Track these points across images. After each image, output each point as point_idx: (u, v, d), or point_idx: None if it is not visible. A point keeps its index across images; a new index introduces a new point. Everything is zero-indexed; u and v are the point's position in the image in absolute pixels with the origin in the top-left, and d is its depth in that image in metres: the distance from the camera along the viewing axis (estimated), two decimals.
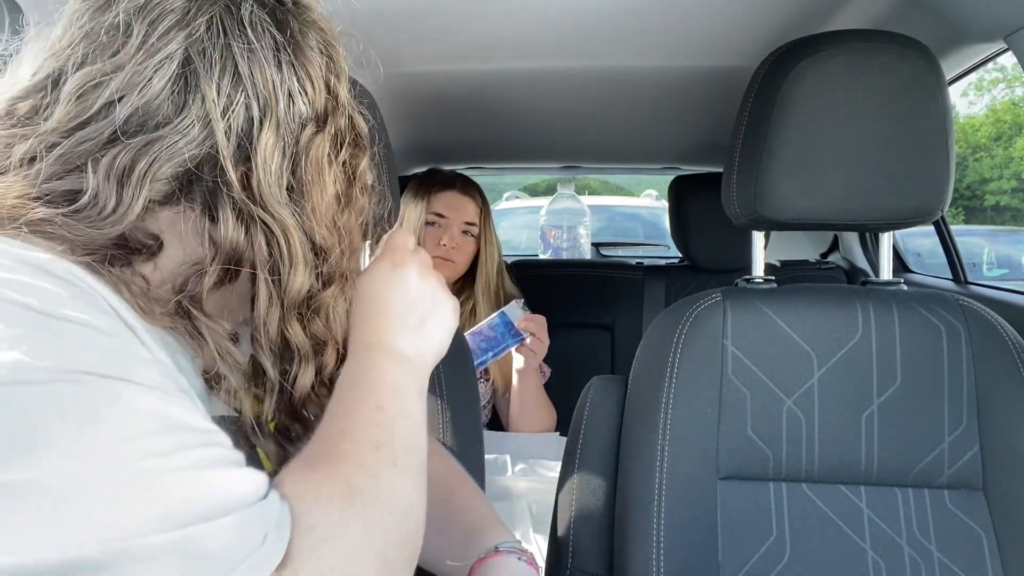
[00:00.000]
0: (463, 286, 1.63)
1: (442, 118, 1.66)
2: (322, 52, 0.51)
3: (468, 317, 1.58)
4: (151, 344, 0.43)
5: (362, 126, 0.54)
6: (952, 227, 1.92)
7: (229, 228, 0.46)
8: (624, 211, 4.48)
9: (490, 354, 1.44)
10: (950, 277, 1.90)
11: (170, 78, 0.44)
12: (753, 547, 0.85)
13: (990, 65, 1.16)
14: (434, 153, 2.05)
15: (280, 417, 0.53)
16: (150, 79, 0.44)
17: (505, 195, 4.72)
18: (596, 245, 3.02)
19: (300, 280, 0.48)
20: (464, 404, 0.99)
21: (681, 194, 2.01)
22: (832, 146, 0.86)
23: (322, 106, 0.49)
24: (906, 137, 0.86)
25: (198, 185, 0.46)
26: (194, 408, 0.43)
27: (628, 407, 0.94)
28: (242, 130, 0.46)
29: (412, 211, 1.58)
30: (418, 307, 0.58)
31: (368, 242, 1.16)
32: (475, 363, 1.42)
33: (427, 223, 1.57)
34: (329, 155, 0.50)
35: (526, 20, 1.09)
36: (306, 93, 0.48)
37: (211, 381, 0.49)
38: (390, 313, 0.56)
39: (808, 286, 0.95)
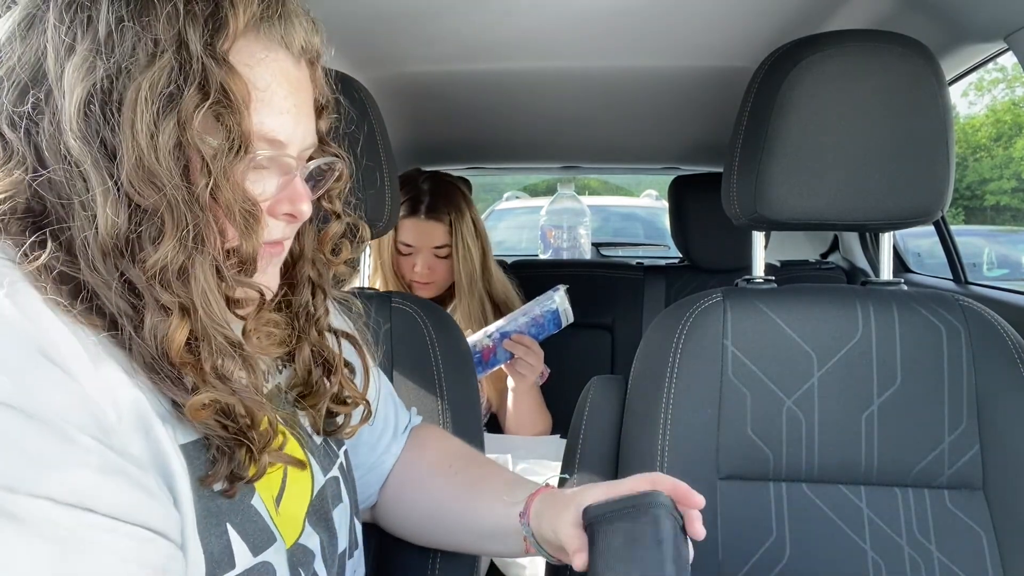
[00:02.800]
0: (447, 300, 1.61)
1: (442, 118, 1.66)
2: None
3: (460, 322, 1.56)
4: (99, 394, 0.42)
5: (236, 89, 0.47)
6: (952, 227, 1.92)
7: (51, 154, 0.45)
8: (621, 211, 4.48)
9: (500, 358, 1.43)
10: (950, 277, 1.90)
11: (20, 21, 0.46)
12: (753, 547, 0.85)
13: (990, 65, 1.16)
14: (434, 153, 2.05)
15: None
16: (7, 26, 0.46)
17: (505, 195, 4.72)
18: (596, 245, 3.02)
19: (105, 224, 0.44)
20: (464, 405, 0.99)
21: (681, 194, 2.01)
22: (832, 146, 0.86)
23: (149, 49, 0.44)
24: (906, 137, 0.86)
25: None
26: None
27: (628, 407, 0.94)
28: (62, 55, 0.45)
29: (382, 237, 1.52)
30: None
31: (367, 243, 1.16)
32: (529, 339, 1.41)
33: (398, 252, 1.53)
34: (150, 104, 0.44)
35: (526, 20, 1.09)
36: (123, 34, 0.44)
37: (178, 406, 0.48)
38: None
39: (808, 286, 0.95)
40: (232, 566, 0.50)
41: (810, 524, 0.85)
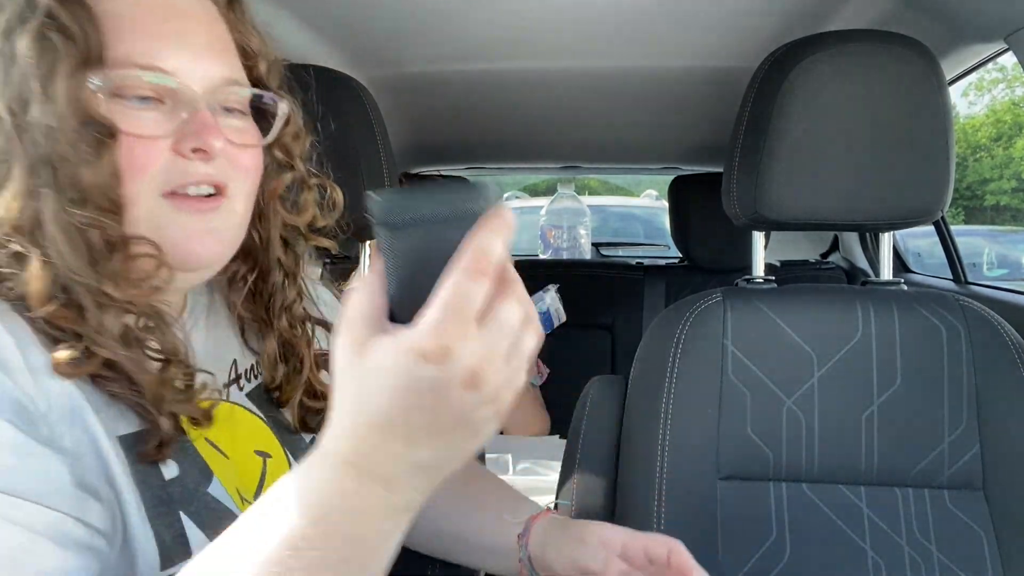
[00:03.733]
0: None
1: (442, 118, 1.66)
2: None
3: None
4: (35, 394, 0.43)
5: (68, 13, 0.46)
6: (952, 227, 1.92)
7: None
8: (619, 211, 4.49)
9: None
10: (950, 277, 1.90)
11: None
12: (753, 547, 0.85)
13: (990, 65, 1.16)
14: (434, 153, 2.05)
15: None
16: None
17: (505, 195, 4.73)
18: (596, 245, 3.02)
19: (11, 195, 0.45)
20: None
21: (681, 194, 2.01)
22: (832, 146, 0.86)
23: (9, 5, 0.45)
24: (906, 137, 0.86)
25: None
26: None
27: (628, 407, 0.94)
28: None
29: None
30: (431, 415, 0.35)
31: (369, 242, 1.16)
32: None
33: None
34: (28, 58, 0.45)
35: (526, 20, 1.09)
36: None
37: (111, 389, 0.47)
38: (370, 413, 0.35)
39: (808, 286, 0.95)
40: (188, 555, 0.48)
41: (810, 524, 0.85)
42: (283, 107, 0.57)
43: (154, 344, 0.50)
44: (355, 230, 0.85)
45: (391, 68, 1.30)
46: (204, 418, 0.52)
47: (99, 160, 0.46)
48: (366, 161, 0.95)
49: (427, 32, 1.15)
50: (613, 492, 0.91)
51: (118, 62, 0.47)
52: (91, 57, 0.46)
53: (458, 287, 0.33)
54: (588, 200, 3.12)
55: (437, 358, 0.33)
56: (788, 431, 0.87)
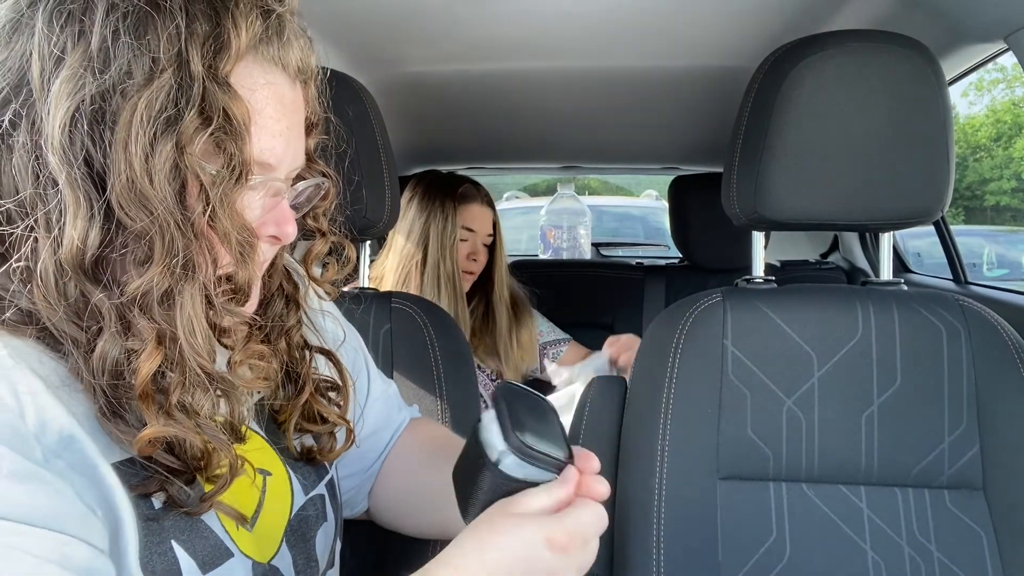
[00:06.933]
0: (474, 290, 1.60)
1: (442, 118, 1.66)
2: (180, 16, 0.44)
3: (481, 320, 1.56)
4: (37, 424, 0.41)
5: (238, 115, 0.45)
6: (952, 227, 1.92)
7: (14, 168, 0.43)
8: (618, 211, 4.50)
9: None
10: (950, 277, 1.90)
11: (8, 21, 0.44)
12: (753, 547, 0.85)
13: (990, 65, 1.16)
14: (434, 153, 2.05)
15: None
16: None
17: (505, 195, 4.73)
18: (596, 245, 3.02)
19: (71, 243, 0.42)
20: (464, 404, 0.99)
21: (681, 194, 2.01)
22: (832, 146, 0.86)
23: (146, 67, 0.42)
24: (906, 137, 0.86)
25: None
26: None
27: (628, 407, 0.94)
28: (48, 67, 0.43)
29: (440, 221, 1.46)
30: None
31: (368, 242, 1.16)
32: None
33: (460, 239, 1.49)
34: (146, 125, 0.42)
35: (527, 21, 1.09)
36: (119, 50, 0.42)
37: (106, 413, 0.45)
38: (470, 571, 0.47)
39: (808, 286, 0.95)
40: None
41: (810, 524, 0.85)
42: (325, 186, 0.60)
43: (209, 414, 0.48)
44: (354, 231, 0.85)
45: (391, 68, 1.31)
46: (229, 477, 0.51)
47: (249, 261, 0.48)
48: (366, 161, 0.95)
49: (428, 32, 1.15)
50: (613, 492, 0.91)
51: (253, 161, 0.47)
52: (248, 161, 0.46)
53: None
54: (588, 200, 3.12)
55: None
56: (788, 431, 0.87)
